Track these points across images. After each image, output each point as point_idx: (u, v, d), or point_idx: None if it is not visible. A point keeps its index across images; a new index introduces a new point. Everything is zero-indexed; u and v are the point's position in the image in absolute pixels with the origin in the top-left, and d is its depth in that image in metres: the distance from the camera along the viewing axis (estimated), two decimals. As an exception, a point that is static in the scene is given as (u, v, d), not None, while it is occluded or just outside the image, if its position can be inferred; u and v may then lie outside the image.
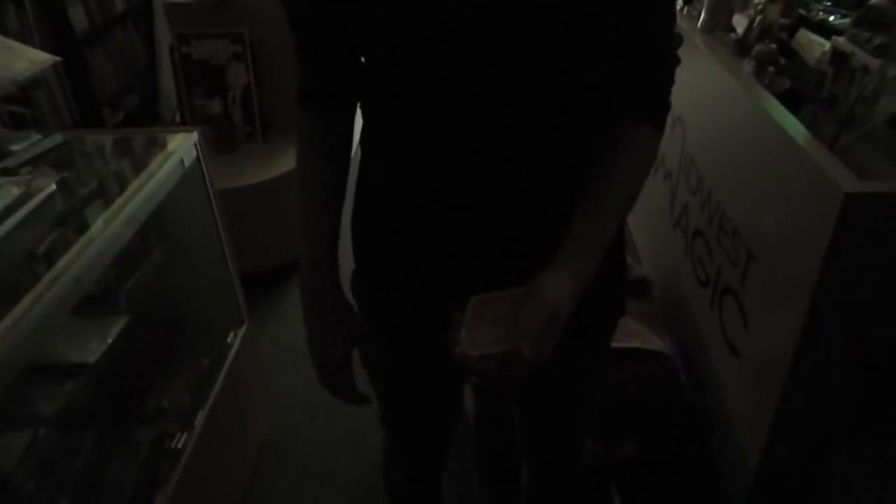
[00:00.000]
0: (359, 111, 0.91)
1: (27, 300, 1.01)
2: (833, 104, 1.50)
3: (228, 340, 1.74)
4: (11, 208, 1.18)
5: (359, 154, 0.91)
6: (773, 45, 1.69)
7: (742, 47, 1.77)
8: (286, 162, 2.51)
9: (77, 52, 2.84)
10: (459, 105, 0.78)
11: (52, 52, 1.57)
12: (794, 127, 1.36)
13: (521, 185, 0.83)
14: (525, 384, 1.13)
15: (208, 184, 1.57)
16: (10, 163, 1.33)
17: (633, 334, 1.70)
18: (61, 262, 1.11)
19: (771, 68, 1.63)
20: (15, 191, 1.20)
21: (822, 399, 1.39)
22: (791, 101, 1.49)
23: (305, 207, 0.93)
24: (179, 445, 1.44)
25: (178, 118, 2.93)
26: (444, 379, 1.10)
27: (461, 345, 0.70)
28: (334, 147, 0.91)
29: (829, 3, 1.77)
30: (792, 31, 1.75)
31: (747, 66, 1.70)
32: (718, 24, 1.95)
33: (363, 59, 0.85)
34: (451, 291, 0.78)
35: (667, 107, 0.85)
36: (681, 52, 0.88)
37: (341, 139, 0.91)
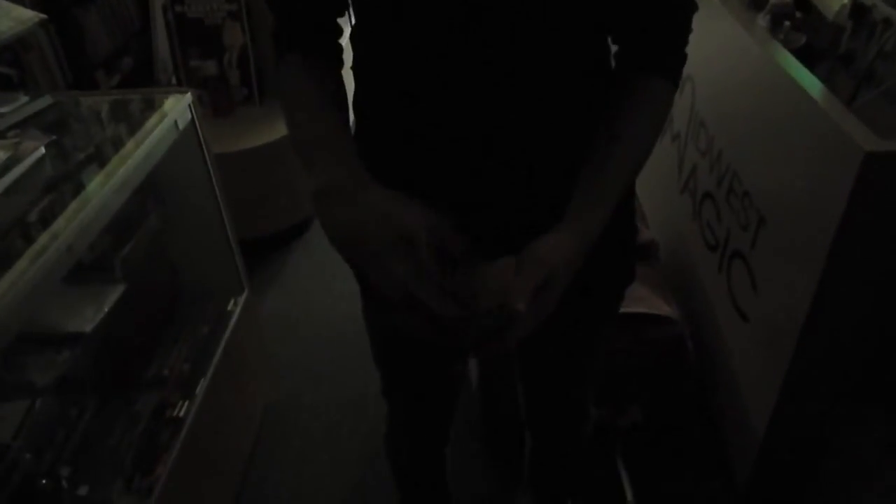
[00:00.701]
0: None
1: (17, 268, 0.98)
2: (851, 60, 1.44)
3: (228, 308, 1.72)
4: (-2, 173, 1.13)
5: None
6: (789, -1, 1.63)
7: (757, 1, 1.70)
8: (284, 126, 2.45)
9: (69, 14, 2.77)
10: (465, 54, 0.73)
11: (42, 13, 1.52)
12: (810, 84, 1.31)
13: (529, 138, 0.78)
14: (528, 350, 1.10)
15: (204, 147, 1.53)
16: (-4, 126, 1.28)
17: (638, 299, 1.67)
18: (51, 229, 1.07)
19: (787, 23, 1.56)
20: (1, 154, 1.16)
21: (831, 365, 1.36)
22: (807, 57, 1.43)
23: (308, 116, 0.78)
24: (181, 414, 1.42)
25: (173, 81, 2.86)
26: (447, 350, 1.07)
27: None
28: (327, 82, 0.81)
29: (848, -46, 1.70)
30: (809, -17, 1.68)
31: (762, 20, 1.63)
32: (731, -23, 1.88)
33: (357, 12, 0.80)
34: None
35: (683, 58, 0.79)
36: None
37: (333, 79, 0.82)
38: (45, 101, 1.42)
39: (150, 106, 1.44)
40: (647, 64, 0.77)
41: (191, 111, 1.46)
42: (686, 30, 0.78)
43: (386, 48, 0.79)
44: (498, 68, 0.74)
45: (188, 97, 1.45)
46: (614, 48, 0.81)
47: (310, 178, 0.72)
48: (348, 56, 0.86)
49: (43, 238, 1.04)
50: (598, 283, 0.92)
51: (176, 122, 1.41)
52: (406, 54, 0.77)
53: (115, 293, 1.41)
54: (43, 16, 1.40)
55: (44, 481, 1.17)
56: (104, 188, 1.17)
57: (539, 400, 1.21)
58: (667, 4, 0.76)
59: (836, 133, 1.16)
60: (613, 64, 0.81)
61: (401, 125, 0.81)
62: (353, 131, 0.83)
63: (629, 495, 1.64)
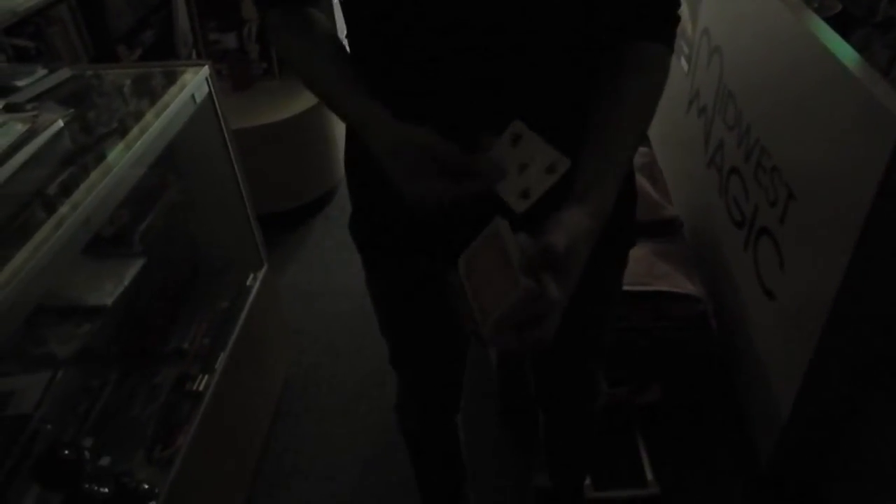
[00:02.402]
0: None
1: (36, 239, 0.98)
2: (889, 28, 1.38)
3: (248, 283, 1.72)
4: (17, 146, 1.13)
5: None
6: (824, -35, 1.56)
7: (789, -32, 1.64)
8: (304, 100, 2.44)
9: (89, -13, 2.76)
10: (461, 31, 0.72)
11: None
12: (845, 53, 1.25)
13: (525, 114, 0.76)
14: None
15: (221, 120, 1.52)
16: (15, 98, 1.28)
17: (661, 276, 1.64)
18: (70, 200, 1.07)
19: (821, -10, 1.50)
20: (20, 127, 1.16)
21: (859, 346, 1.33)
22: (842, 25, 1.37)
23: (323, 69, 0.79)
24: (200, 388, 1.43)
25: (193, 55, 2.85)
26: (452, 320, 1.05)
27: (476, 324, 0.61)
28: (318, 28, 0.82)
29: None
30: (845, -52, 1.61)
31: (795, -12, 1.57)
32: (763, -57, 1.81)
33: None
34: (453, 228, 0.73)
35: (676, 21, 0.78)
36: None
37: (323, 26, 0.82)
38: (64, 74, 1.42)
39: (169, 79, 1.43)
40: (640, 31, 0.76)
41: (208, 84, 1.45)
42: None
43: (377, 36, 0.78)
44: (492, 47, 0.72)
45: (205, 70, 1.44)
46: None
47: (345, 113, 0.77)
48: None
49: (62, 209, 1.05)
50: (601, 248, 0.91)
51: (193, 95, 1.40)
52: (398, 42, 0.76)
53: (134, 267, 1.41)
54: (61, -12, 1.38)
55: (66, 451, 1.18)
56: (122, 160, 1.17)
57: (548, 375, 1.20)
58: None
59: (872, 104, 1.12)
60: (606, 34, 0.79)
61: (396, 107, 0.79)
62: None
63: (649, 474, 1.63)
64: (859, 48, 1.28)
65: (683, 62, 2.20)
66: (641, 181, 1.90)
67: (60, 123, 1.23)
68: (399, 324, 1.08)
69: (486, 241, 0.65)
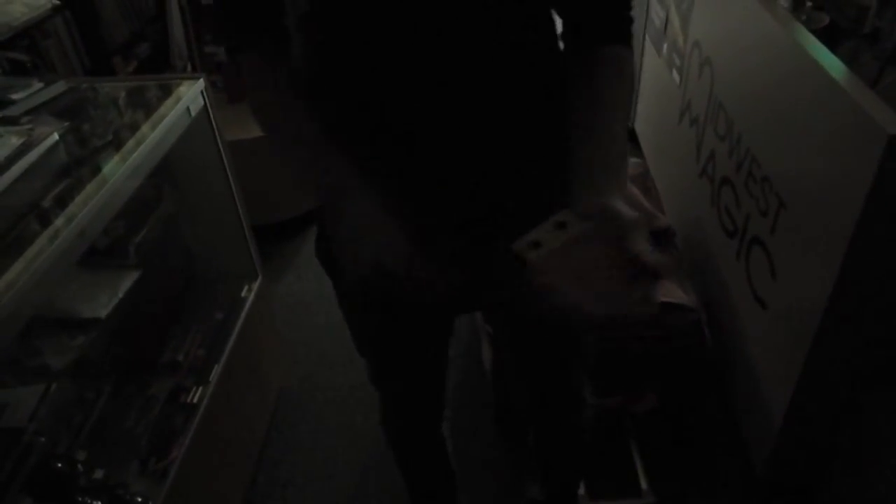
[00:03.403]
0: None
1: (29, 253, 0.98)
2: (876, 39, 1.40)
3: (242, 294, 1.72)
4: (12, 159, 1.14)
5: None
6: (812, -23, 1.59)
7: (778, -19, 1.66)
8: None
9: (86, 1, 2.77)
10: (416, 35, 0.74)
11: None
12: (833, 65, 1.27)
13: (484, 118, 0.78)
14: (513, 343, 1.10)
15: (216, 133, 1.53)
16: (10, 112, 1.28)
17: (655, 286, 1.65)
18: (65, 213, 1.07)
19: (809, 2, 1.52)
20: (15, 140, 1.16)
21: (851, 353, 1.33)
22: (830, 37, 1.39)
23: (296, 127, 0.81)
24: (195, 400, 1.43)
25: (189, 67, 2.86)
26: (426, 335, 1.07)
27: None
28: (286, 76, 0.83)
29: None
30: (832, -39, 1.63)
31: (783, 0, 1.59)
32: (752, -44, 1.83)
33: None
34: (420, 241, 0.74)
35: (630, 21, 0.81)
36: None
37: (288, 72, 0.83)
38: (59, 87, 1.42)
39: (164, 92, 1.44)
40: (597, 35, 0.79)
41: (203, 97, 1.46)
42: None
43: (338, 41, 0.79)
44: (451, 48, 0.74)
45: (200, 83, 1.45)
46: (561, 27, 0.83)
47: (310, 175, 0.79)
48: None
49: (57, 222, 1.05)
50: None
51: (188, 108, 1.41)
52: (361, 49, 0.77)
53: (129, 279, 1.41)
54: (56, 1, 1.39)
55: (59, 464, 1.18)
56: (117, 173, 1.17)
57: (532, 388, 1.21)
58: None
59: (859, 116, 1.13)
60: (562, 43, 0.83)
61: (358, 118, 0.81)
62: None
63: (644, 483, 1.63)
64: (847, 60, 1.30)
65: (675, 74, 2.22)
66: (634, 191, 1.91)
67: (56, 136, 1.23)
68: (374, 343, 1.09)
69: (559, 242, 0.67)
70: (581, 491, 1.59)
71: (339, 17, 0.78)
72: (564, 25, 0.82)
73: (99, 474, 1.26)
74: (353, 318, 1.06)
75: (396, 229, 0.72)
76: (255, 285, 1.76)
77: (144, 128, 1.31)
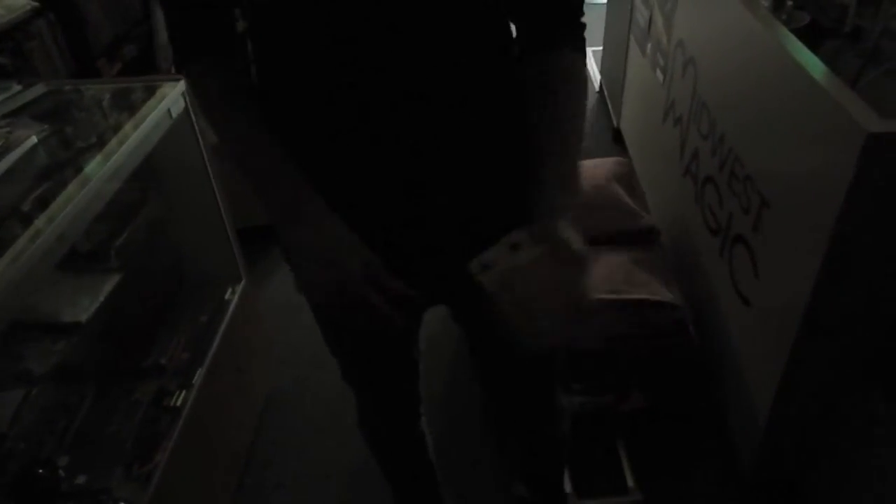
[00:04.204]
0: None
1: (6, 258, 0.97)
2: (857, 38, 1.41)
3: (226, 297, 1.71)
4: (-10, 162, 1.13)
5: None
6: (793, -23, 1.59)
7: (759, -20, 1.67)
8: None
9: (69, 2, 2.75)
10: (365, 31, 0.73)
11: (40, 2, 1.50)
12: (813, 64, 1.27)
13: (436, 121, 0.78)
14: (480, 344, 1.11)
15: (198, 135, 1.52)
16: (-12, 115, 1.27)
17: (640, 285, 1.66)
18: (44, 215, 1.06)
19: (790, 2, 1.53)
20: (-7, 144, 1.15)
21: (834, 349, 1.34)
22: (811, 36, 1.40)
23: (245, 137, 0.80)
24: (178, 403, 1.42)
25: (173, 69, 2.84)
26: (391, 339, 1.07)
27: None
28: (239, 88, 0.82)
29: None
30: (813, -40, 1.64)
31: None
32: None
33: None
34: (376, 235, 0.76)
35: (582, 27, 0.82)
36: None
37: (241, 84, 0.82)
38: (39, 90, 1.41)
39: (147, 94, 1.43)
40: (550, 40, 0.80)
41: (184, 99, 1.45)
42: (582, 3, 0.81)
43: (287, 45, 0.78)
44: (404, 51, 0.74)
45: (181, 85, 1.44)
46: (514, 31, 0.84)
47: (264, 195, 0.78)
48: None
49: (37, 224, 1.04)
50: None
51: (169, 109, 1.40)
52: (311, 49, 0.76)
53: (111, 282, 1.40)
54: (35, 3, 1.38)
55: (41, 470, 1.17)
56: (96, 175, 1.16)
57: (507, 402, 1.21)
58: None
59: (839, 114, 1.14)
60: (517, 47, 0.84)
61: (310, 118, 0.81)
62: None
63: (630, 481, 1.63)
64: (828, 59, 1.30)
65: (659, 73, 2.23)
66: (619, 190, 1.92)
67: (34, 139, 1.22)
68: (339, 344, 1.09)
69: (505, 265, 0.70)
70: (568, 489, 1.59)
71: (287, 20, 0.76)
72: (518, 30, 0.83)
73: (82, 480, 1.26)
74: (318, 319, 1.06)
75: (350, 250, 0.73)
76: (240, 288, 1.75)
77: (125, 130, 1.30)
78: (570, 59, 0.81)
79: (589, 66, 0.92)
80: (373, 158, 0.79)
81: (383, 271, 0.73)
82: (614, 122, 2.96)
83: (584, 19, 0.83)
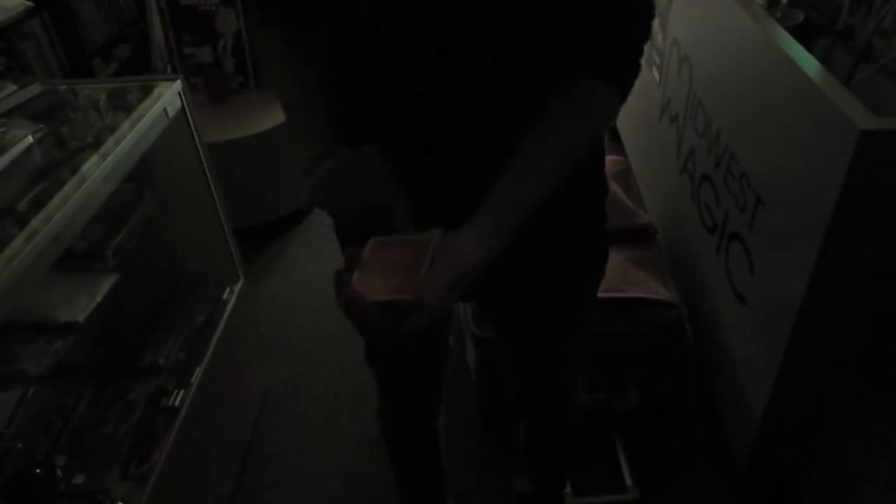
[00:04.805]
0: None
1: (2, 258, 0.97)
2: (849, 36, 1.42)
3: (224, 296, 1.71)
4: (-15, 163, 1.13)
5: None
6: (787, -25, 1.60)
7: (754, -21, 1.67)
8: (280, 113, 2.44)
9: (63, 2, 2.75)
10: (411, 56, 0.73)
11: (34, 1, 1.49)
12: (807, 62, 1.28)
13: (468, 139, 0.77)
14: (513, 337, 1.10)
15: (195, 135, 1.52)
16: (-16, 115, 1.27)
17: (637, 283, 1.66)
18: (40, 215, 1.06)
19: (784, 0, 1.54)
20: (-12, 144, 1.15)
21: (829, 347, 1.35)
22: (805, 34, 1.41)
23: (295, 91, 0.82)
24: (176, 403, 1.42)
25: (169, 69, 2.84)
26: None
27: (353, 287, 0.64)
28: (307, 54, 0.84)
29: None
30: (807, -41, 1.65)
31: (759, -2, 1.61)
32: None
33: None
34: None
35: (633, 67, 0.75)
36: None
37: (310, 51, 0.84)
38: (34, 90, 1.41)
39: (143, 94, 1.43)
40: (592, 70, 0.73)
41: (181, 99, 1.45)
42: (639, 38, 0.74)
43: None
44: (438, 71, 0.73)
45: (178, 85, 1.44)
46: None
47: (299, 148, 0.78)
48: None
49: (32, 224, 1.04)
50: (574, 266, 0.93)
51: (166, 109, 1.40)
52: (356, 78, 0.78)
53: (107, 282, 1.40)
54: (29, 3, 1.38)
55: (38, 470, 1.17)
56: (92, 175, 1.16)
57: (526, 387, 1.21)
58: (618, 12, 0.72)
59: (832, 112, 1.14)
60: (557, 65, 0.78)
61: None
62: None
63: (628, 479, 1.64)
64: (821, 57, 1.31)
65: (655, 72, 2.23)
66: (616, 188, 1.92)
67: (29, 139, 1.22)
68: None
69: (402, 240, 0.68)
70: (566, 488, 1.59)
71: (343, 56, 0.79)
72: (563, 55, 0.75)
73: (79, 480, 1.25)
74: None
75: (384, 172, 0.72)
76: (237, 287, 1.75)
77: (121, 130, 1.29)
78: (601, 93, 0.73)
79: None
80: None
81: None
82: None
83: (637, 60, 0.75)
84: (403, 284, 0.64)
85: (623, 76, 0.74)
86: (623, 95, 0.75)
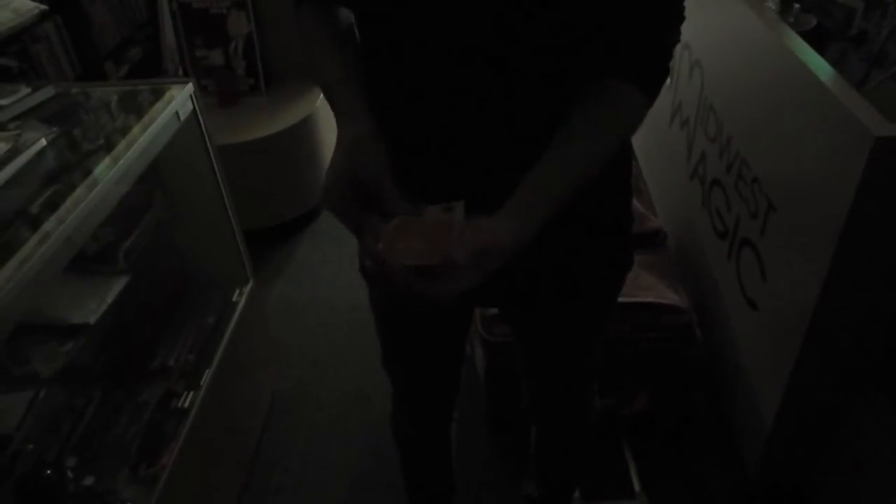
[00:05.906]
0: None
1: (15, 261, 0.98)
2: (863, 41, 1.41)
3: (234, 298, 1.72)
4: (-1, 165, 1.13)
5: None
6: (800, -20, 1.59)
7: (766, -17, 1.67)
8: (290, 116, 2.45)
9: (75, 5, 2.77)
10: (448, 51, 0.73)
11: (48, 4, 1.50)
12: (820, 67, 1.27)
13: (498, 133, 0.77)
14: (531, 340, 1.10)
15: (206, 138, 1.52)
16: (-2, 118, 1.28)
17: (647, 288, 1.65)
18: (53, 218, 1.07)
19: (797, 5, 1.53)
20: (2, 146, 1.16)
21: (841, 354, 1.34)
22: (818, 39, 1.40)
23: (324, 57, 0.80)
24: (186, 405, 1.43)
25: (180, 71, 2.86)
26: (446, 327, 1.07)
27: (380, 251, 0.64)
28: (340, 31, 0.83)
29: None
30: (820, -37, 1.64)
31: (771, 2, 1.60)
32: (741, -42, 1.84)
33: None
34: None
35: (662, 71, 0.75)
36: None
37: (345, 28, 0.84)
38: (47, 93, 1.42)
39: (155, 96, 1.44)
40: (621, 71, 0.73)
41: (192, 101, 1.46)
42: (668, 41, 0.75)
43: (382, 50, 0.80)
44: (475, 64, 0.73)
45: (189, 87, 1.44)
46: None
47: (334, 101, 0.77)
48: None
49: (45, 227, 1.05)
50: (588, 275, 0.92)
51: (177, 112, 1.41)
52: (395, 74, 0.78)
53: (118, 284, 1.41)
54: (44, 7, 1.39)
55: (48, 472, 1.17)
56: (104, 178, 1.17)
57: (543, 391, 1.21)
58: (650, 16, 0.72)
59: (846, 117, 1.14)
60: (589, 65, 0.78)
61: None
62: None
63: (637, 484, 1.63)
64: (834, 62, 1.30)
65: (666, 75, 2.22)
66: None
67: (43, 142, 1.23)
68: (392, 325, 1.08)
69: (433, 217, 0.68)
70: (575, 493, 1.59)
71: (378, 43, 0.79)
72: (597, 57, 0.75)
73: (89, 481, 1.26)
74: (371, 293, 1.05)
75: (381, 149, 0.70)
76: (247, 289, 1.75)
77: (133, 133, 1.30)
78: (631, 96, 0.73)
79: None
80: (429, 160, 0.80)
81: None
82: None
83: (666, 64, 0.76)
84: (430, 251, 0.64)
85: (652, 79, 0.75)
86: (651, 98, 0.75)
